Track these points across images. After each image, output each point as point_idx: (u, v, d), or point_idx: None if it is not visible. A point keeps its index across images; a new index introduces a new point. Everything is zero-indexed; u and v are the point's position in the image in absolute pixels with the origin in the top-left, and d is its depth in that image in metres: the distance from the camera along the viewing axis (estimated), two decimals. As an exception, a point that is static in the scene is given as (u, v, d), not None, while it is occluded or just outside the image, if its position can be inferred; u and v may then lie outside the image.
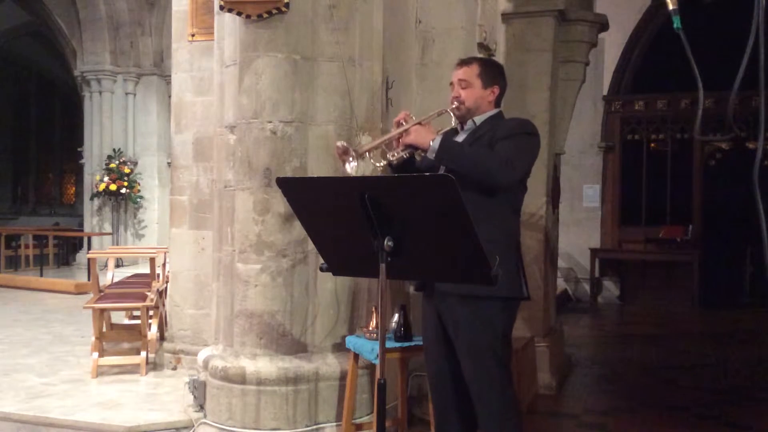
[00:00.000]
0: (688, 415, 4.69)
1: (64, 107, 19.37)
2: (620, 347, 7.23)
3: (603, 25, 5.81)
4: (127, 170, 12.24)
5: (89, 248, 10.99)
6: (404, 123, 2.76)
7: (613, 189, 10.81)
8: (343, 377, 3.59)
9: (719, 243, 10.19)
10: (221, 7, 3.59)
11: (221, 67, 3.89)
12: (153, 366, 5.20)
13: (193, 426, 3.84)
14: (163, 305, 5.61)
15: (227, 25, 3.75)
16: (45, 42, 16.30)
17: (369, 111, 3.74)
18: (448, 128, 2.87)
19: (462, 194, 2.04)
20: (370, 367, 3.66)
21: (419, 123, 2.74)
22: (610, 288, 10.69)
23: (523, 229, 3.03)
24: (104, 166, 12.27)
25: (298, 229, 3.43)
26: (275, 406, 3.49)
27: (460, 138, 2.87)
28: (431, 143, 2.66)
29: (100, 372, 4.98)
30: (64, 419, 4.03)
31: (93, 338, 5.13)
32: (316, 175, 3.52)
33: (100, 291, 5.54)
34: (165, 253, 5.87)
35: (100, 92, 12.67)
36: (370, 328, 3.43)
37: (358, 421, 3.59)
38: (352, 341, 3.50)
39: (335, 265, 2.49)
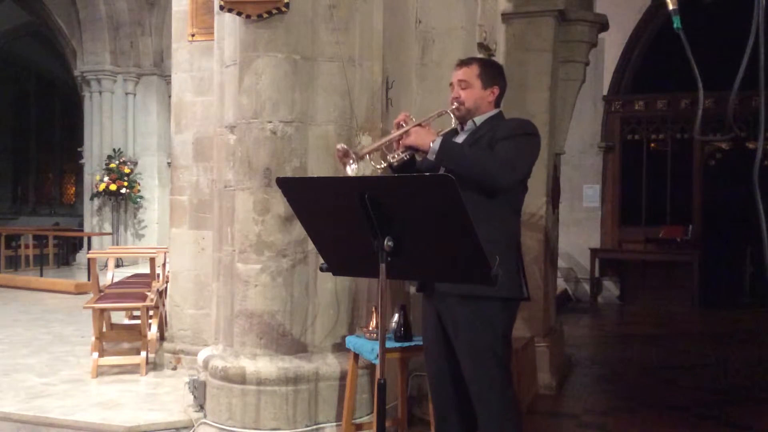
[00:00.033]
0: (688, 415, 4.69)
1: (64, 107, 19.37)
2: (620, 347, 7.23)
3: (603, 25, 5.81)
4: (127, 170, 12.25)
5: (89, 248, 10.99)
6: (404, 124, 2.75)
7: (613, 189, 10.81)
8: (343, 377, 3.59)
9: (719, 243, 10.19)
10: (221, 7, 3.60)
11: (221, 67, 3.89)
12: (153, 366, 5.20)
13: (193, 426, 3.84)
14: (163, 305, 5.61)
15: (227, 25, 3.75)
16: (45, 42, 16.30)
17: (369, 111, 3.74)
18: (448, 129, 2.87)
19: (462, 194, 2.04)
20: (370, 367, 3.66)
21: (419, 124, 2.74)
22: (610, 288, 10.69)
23: (523, 229, 3.03)
24: (104, 166, 12.28)
25: (298, 229, 3.43)
26: (275, 406, 3.49)
27: (460, 138, 2.87)
28: (431, 145, 2.66)
29: (100, 372, 4.98)
30: (64, 419, 4.03)
31: (93, 338, 5.13)
32: (316, 175, 3.52)
33: (100, 291, 5.54)
34: (165, 253, 5.87)
35: (100, 92, 12.67)
36: (370, 328, 3.43)
37: (358, 421, 3.59)
38: (352, 341, 3.51)
39: (335, 265, 2.49)
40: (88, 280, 7.50)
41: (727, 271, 10.31)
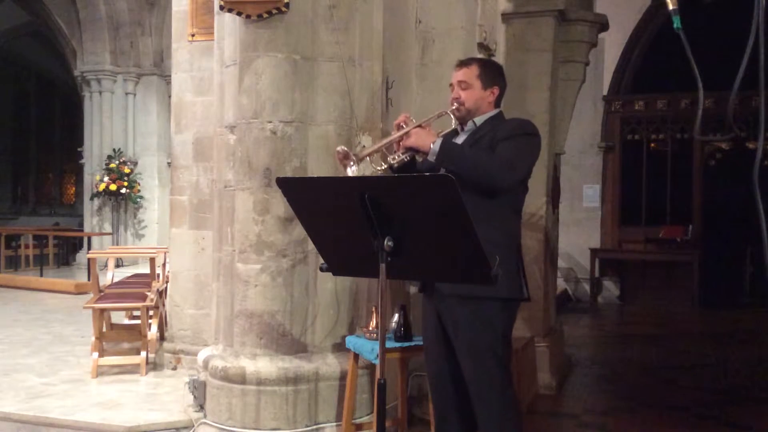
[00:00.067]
0: (688, 415, 4.69)
1: (64, 107, 19.37)
2: (620, 347, 7.23)
3: (603, 25, 5.81)
4: (127, 170, 12.25)
5: (89, 248, 10.99)
6: (404, 126, 2.75)
7: (613, 189, 10.81)
8: (343, 377, 3.59)
9: (719, 243, 10.19)
10: (221, 7, 3.60)
11: (221, 67, 3.89)
12: (153, 366, 5.20)
13: (193, 426, 3.84)
14: (163, 305, 5.61)
15: (227, 25, 3.75)
16: (45, 42, 16.30)
17: (369, 111, 3.74)
18: (448, 130, 2.87)
19: (462, 194, 2.04)
20: (370, 367, 3.66)
21: (419, 125, 2.74)
22: (610, 288, 10.69)
23: (523, 229, 3.03)
24: (104, 166, 12.28)
25: (298, 229, 3.43)
26: (275, 406, 3.49)
27: (460, 139, 2.87)
28: (432, 146, 2.66)
29: (100, 372, 4.98)
30: (64, 419, 4.03)
31: (93, 338, 5.13)
32: (316, 175, 3.52)
33: (100, 291, 5.54)
34: (165, 253, 5.87)
35: (100, 92, 12.68)
36: (370, 328, 3.43)
37: (358, 421, 3.59)
38: (352, 341, 3.51)
39: (335, 265, 2.49)
40: (88, 280, 7.50)
41: (727, 271, 10.31)
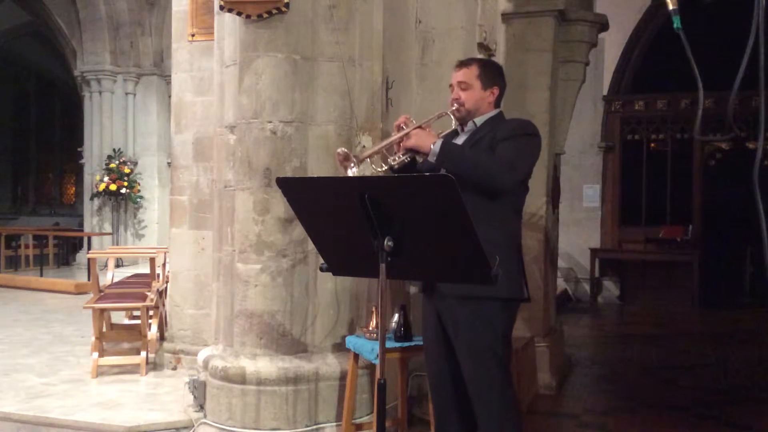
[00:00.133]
0: (688, 415, 4.69)
1: (64, 107, 19.37)
2: (620, 347, 7.23)
3: (603, 25, 5.81)
4: (127, 170, 12.25)
5: (89, 248, 10.99)
6: (404, 127, 2.75)
7: (613, 189, 10.81)
8: (343, 377, 3.59)
9: (719, 243, 10.19)
10: (221, 7, 3.60)
11: (221, 67, 3.89)
12: (153, 366, 5.20)
13: (193, 426, 3.84)
14: (163, 305, 5.61)
15: (227, 25, 3.75)
16: (45, 42, 16.30)
17: (369, 111, 3.74)
18: (448, 131, 2.87)
19: (462, 195, 2.04)
20: (370, 367, 3.66)
21: (420, 126, 2.74)
22: (610, 288, 10.69)
23: (523, 229, 3.03)
24: (104, 166, 12.28)
25: (298, 229, 3.43)
26: (275, 406, 3.49)
27: (460, 140, 2.87)
28: (432, 147, 2.66)
29: (100, 372, 4.98)
30: (64, 419, 4.03)
31: (93, 338, 5.13)
32: (316, 175, 3.52)
33: (100, 291, 5.54)
34: (165, 253, 5.87)
35: (100, 92, 12.67)
36: (370, 328, 3.43)
37: (358, 421, 3.59)
38: (352, 341, 3.51)
39: (335, 265, 2.49)
40: (88, 280, 7.50)
41: (727, 271, 10.31)
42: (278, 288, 3.54)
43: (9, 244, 12.91)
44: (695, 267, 9.96)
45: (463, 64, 2.93)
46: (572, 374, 5.74)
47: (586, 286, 10.67)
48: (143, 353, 5.09)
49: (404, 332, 3.37)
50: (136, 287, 5.79)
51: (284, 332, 3.55)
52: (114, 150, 12.43)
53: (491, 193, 2.68)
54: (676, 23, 1.63)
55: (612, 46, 10.41)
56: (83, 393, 4.58)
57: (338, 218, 2.30)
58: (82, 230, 13.45)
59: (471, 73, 2.86)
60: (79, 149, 13.65)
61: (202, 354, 4.01)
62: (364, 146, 3.63)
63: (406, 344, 3.35)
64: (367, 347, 3.32)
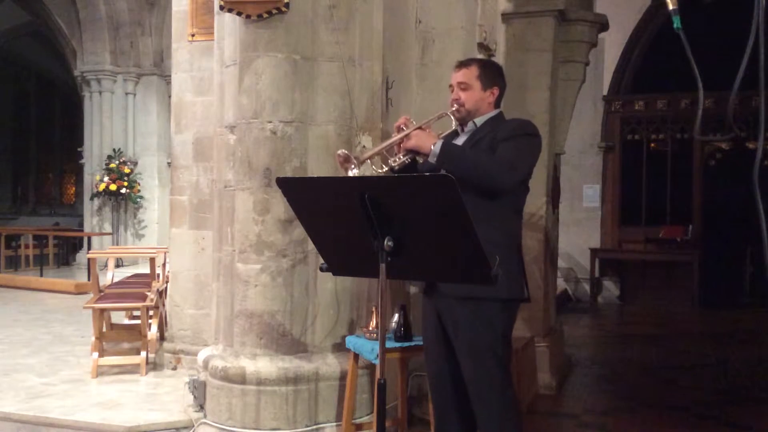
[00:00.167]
0: (688, 415, 4.69)
1: (64, 107, 19.37)
2: (620, 347, 7.23)
3: (603, 25, 5.81)
4: (127, 170, 12.25)
5: (89, 248, 10.99)
6: (405, 128, 2.75)
7: (613, 189, 10.81)
8: (343, 377, 3.59)
9: (719, 243, 10.19)
10: (221, 7, 3.60)
11: (221, 67, 3.89)
12: (153, 366, 5.20)
13: (193, 426, 3.84)
14: (163, 305, 5.61)
15: (227, 25, 3.75)
16: (45, 42, 16.30)
17: (369, 111, 3.74)
18: (448, 131, 2.87)
19: (462, 195, 2.04)
20: (370, 367, 3.66)
21: (420, 127, 2.74)
22: (610, 288, 10.69)
23: (523, 229, 3.03)
24: (104, 166, 12.28)
25: (298, 229, 3.43)
26: (275, 406, 3.49)
27: (460, 140, 2.87)
28: (432, 147, 2.66)
29: (100, 372, 4.98)
30: (64, 419, 4.04)
31: (93, 338, 5.13)
32: (316, 175, 3.52)
33: (100, 291, 5.54)
34: (165, 253, 5.87)
35: (100, 92, 12.67)
36: (370, 328, 3.43)
37: (358, 421, 3.59)
38: (352, 341, 3.51)
39: (335, 265, 2.49)
40: (88, 280, 7.50)
41: (727, 271, 10.31)
42: (278, 288, 3.54)
43: (9, 244, 12.91)
44: (695, 267, 9.96)
45: (462, 64, 2.93)
46: (572, 374, 5.74)
47: (586, 286, 10.67)
48: (143, 353, 5.09)
49: (404, 332, 3.37)
50: (136, 287, 5.79)
51: (284, 332, 3.55)
52: (114, 150, 12.43)
53: (491, 193, 2.68)
54: (676, 23, 1.63)
55: (612, 46, 10.41)
56: (83, 393, 4.58)
57: (338, 218, 2.30)
58: (82, 230, 13.45)
59: (471, 74, 2.86)
60: (79, 149, 13.65)
61: (202, 354, 4.01)
62: (364, 147, 3.63)
63: (406, 344, 3.35)
64: (367, 347, 3.32)
